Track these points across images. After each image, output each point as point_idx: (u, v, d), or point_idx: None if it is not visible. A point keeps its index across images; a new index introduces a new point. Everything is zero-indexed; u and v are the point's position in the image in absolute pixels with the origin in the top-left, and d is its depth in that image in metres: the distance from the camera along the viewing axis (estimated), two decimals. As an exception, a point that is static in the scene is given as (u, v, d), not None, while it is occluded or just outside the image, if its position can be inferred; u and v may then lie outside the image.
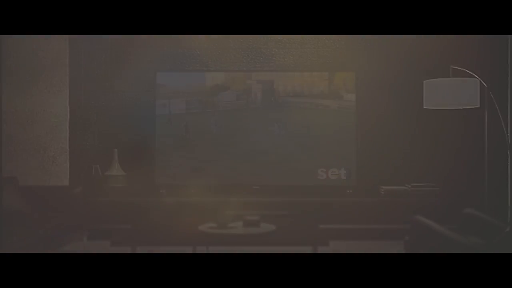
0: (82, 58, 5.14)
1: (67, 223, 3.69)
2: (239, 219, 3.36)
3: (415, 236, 2.19)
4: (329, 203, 4.59)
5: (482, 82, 4.24)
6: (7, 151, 5.05)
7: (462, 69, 4.34)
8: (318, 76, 4.76)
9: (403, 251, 3.04)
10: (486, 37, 4.97)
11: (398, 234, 4.57)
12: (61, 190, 3.95)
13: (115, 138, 5.14)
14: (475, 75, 4.24)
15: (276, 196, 4.61)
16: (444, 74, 5.16)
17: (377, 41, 5.18)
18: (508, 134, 4.29)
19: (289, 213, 4.57)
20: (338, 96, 4.77)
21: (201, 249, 3.37)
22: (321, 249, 2.93)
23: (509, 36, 4.65)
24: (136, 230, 3.10)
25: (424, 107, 4.44)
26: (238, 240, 2.80)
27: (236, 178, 4.77)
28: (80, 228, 3.91)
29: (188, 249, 3.31)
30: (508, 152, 4.29)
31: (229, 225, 3.12)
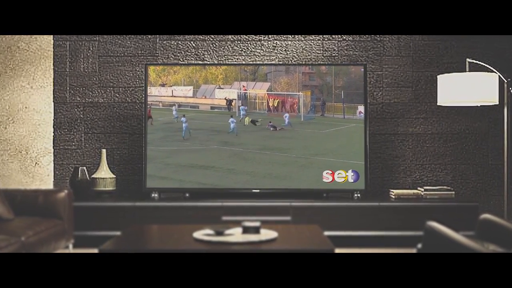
0: (68, 50, 5.14)
1: (51, 229, 3.68)
2: (237, 225, 3.35)
3: (428, 244, 2.19)
4: (335, 208, 4.59)
5: (501, 76, 4.23)
6: (-14, 151, 5.05)
7: (479, 62, 4.34)
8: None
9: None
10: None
11: (410, 241, 4.57)
12: (44, 194, 3.94)
13: (103, 137, 5.14)
14: (493, 69, 4.24)
15: (277, 201, 4.61)
16: (460, 68, 5.17)
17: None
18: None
19: (291, 219, 4.57)
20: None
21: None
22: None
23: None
24: (125, 237, 3.10)
25: (438, 104, 4.43)
26: (236, 248, 2.80)
27: (234, 181, 4.77)
28: (65, 235, 3.91)
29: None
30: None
31: (227, 232, 3.11)
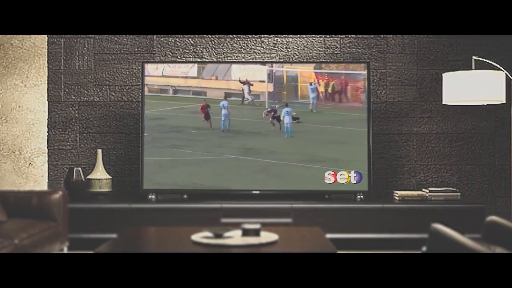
0: (62, 48, 5.14)
1: (45, 232, 3.68)
2: (237, 227, 3.35)
3: (433, 247, 2.19)
4: (337, 210, 4.59)
5: (509, 74, 4.23)
6: (-22, 151, 5.04)
7: (485, 60, 4.34)
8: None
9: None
10: None
11: (415, 244, 4.57)
12: (38, 195, 3.94)
13: (99, 137, 5.14)
14: (500, 67, 4.23)
15: (278, 202, 4.60)
16: (466, 66, 5.16)
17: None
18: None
19: (292, 221, 4.57)
20: None
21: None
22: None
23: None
24: (122, 239, 3.10)
25: (444, 103, 4.43)
26: (236, 251, 2.79)
27: (234, 182, 4.76)
28: (59, 237, 3.90)
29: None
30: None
31: (226, 234, 3.11)
